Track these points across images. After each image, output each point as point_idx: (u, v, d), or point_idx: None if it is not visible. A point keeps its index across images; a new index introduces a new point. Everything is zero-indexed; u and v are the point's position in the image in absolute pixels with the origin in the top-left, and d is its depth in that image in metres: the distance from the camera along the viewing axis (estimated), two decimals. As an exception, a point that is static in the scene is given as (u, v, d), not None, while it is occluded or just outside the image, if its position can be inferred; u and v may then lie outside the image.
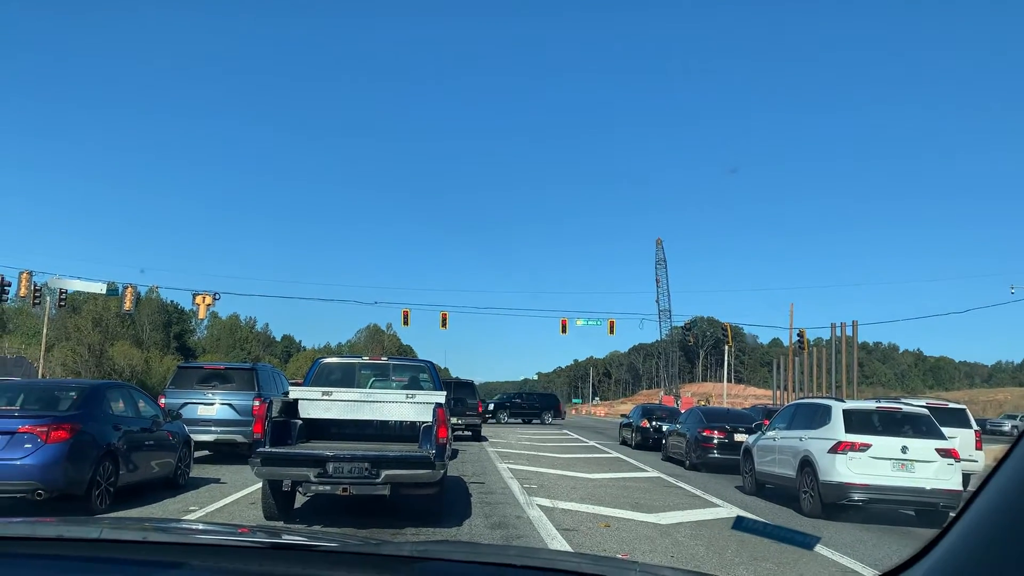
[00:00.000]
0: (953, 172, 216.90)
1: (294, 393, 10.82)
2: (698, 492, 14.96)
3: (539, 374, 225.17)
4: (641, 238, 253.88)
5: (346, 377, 12.36)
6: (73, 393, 10.86)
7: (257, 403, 15.61)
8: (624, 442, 29.35)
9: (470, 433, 28.02)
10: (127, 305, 37.40)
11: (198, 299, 37.79)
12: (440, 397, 10.33)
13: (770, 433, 14.75)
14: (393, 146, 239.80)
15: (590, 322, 58.44)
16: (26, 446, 9.35)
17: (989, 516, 1.15)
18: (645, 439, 26.71)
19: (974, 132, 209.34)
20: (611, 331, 57.49)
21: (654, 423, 26.54)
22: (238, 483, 13.37)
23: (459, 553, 1.87)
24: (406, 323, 53.17)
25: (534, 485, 14.70)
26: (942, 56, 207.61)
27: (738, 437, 18.37)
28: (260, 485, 10.09)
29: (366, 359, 13.22)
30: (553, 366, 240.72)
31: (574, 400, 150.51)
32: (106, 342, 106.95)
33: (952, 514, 1.27)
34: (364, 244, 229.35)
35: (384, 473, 8.92)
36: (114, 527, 1.89)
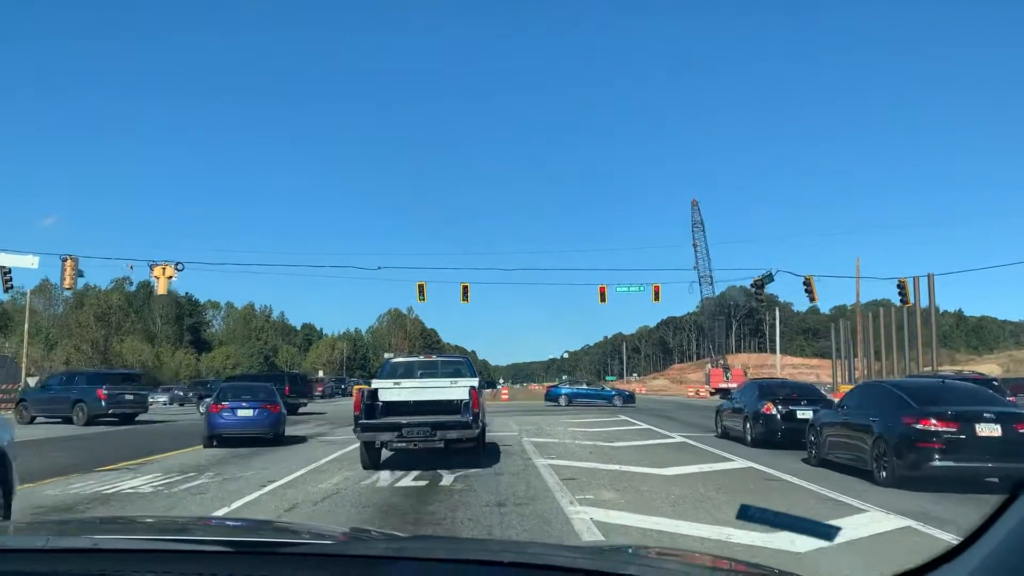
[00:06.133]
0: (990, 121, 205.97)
1: (375, 384, 14.57)
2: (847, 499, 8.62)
3: (568, 352, 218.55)
4: (677, 202, 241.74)
5: (408, 371, 15.25)
6: (268, 387, 20.84)
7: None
8: (726, 435, 19.58)
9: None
10: (67, 283, 30.30)
11: (156, 271, 30.89)
12: (475, 381, 14.17)
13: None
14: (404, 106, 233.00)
15: (632, 288, 51.30)
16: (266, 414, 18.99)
17: None
18: (770, 431, 17.09)
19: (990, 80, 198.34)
20: (656, 297, 50.09)
21: (785, 407, 17.17)
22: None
23: (439, 550, 1.80)
24: (422, 297, 46.45)
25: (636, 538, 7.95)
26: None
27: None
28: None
29: (422, 358, 16.64)
30: (581, 344, 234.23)
31: (608, 377, 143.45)
32: (112, 337, 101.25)
33: None
34: (368, 219, 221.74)
35: (439, 433, 12.70)
36: (61, 534, 1.89)
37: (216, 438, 18.52)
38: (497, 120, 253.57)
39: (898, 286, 38.61)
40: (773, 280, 38.48)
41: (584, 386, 49.07)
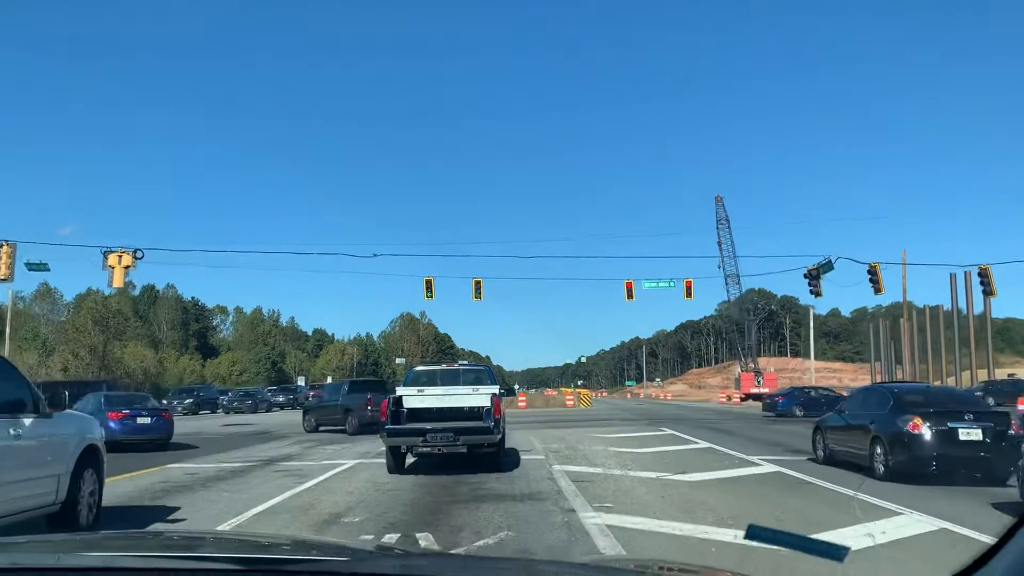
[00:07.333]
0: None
1: (400, 391, 14.86)
2: None
3: (585, 357, 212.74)
4: (700, 197, 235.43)
5: (431, 379, 15.96)
6: (153, 399, 23.82)
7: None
8: (831, 459, 14.26)
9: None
10: (1, 272, 25.34)
11: (112, 259, 26.17)
12: (495, 389, 14.51)
13: None
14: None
15: (661, 284, 46.27)
16: (162, 421, 20.44)
17: None
18: (918, 459, 11.71)
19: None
20: (688, 294, 45.19)
21: (939, 424, 11.67)
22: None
23: (450, 570, 1.80)
24: (430, 294, 41.54)
25: None
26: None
27: None
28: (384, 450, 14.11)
29: (444, 366, 16.98)
30: (596, 349, 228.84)
31: (627, 383, 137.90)
32: (112, 342, 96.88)
33: None
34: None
35: (462, 438, 13.10)
36: (71, 552, 1.88)
37: (113, 445, 18.02)
38: (506, 117, 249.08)
39: (980, 274, 33.32)
40: (833, 268, 33.20)
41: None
